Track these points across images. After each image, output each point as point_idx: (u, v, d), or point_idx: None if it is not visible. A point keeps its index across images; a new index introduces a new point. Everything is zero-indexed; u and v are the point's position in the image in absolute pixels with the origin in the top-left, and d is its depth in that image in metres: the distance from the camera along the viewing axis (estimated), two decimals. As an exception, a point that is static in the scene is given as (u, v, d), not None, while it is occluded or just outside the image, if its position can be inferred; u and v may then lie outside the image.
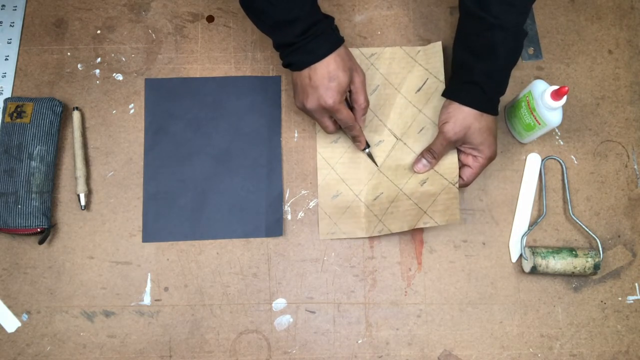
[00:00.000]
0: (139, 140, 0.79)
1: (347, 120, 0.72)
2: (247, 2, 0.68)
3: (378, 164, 0.79)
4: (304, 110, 0.72)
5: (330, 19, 0.70)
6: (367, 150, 0.78)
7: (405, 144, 0.79)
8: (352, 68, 0.70)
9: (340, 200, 0.78)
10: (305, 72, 0.69)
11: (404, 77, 0.81)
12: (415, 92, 0.80)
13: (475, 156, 0.73)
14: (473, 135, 0.71)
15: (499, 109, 0.73)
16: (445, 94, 0.73)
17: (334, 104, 0.69)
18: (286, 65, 0.71)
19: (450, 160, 0.75)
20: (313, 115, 0.72)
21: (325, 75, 0.68)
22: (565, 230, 0.78)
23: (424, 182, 0.76)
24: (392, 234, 0.77)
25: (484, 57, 0.69)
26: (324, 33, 0.68)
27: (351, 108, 0.74)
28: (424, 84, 0.80)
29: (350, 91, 0.72)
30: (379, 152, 0.79)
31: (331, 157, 0.79)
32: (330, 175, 0.79)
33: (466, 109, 0.70)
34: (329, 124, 0.73)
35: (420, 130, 0.78)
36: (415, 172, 0.76)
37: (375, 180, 0.78)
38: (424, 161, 0.75)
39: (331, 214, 0.77)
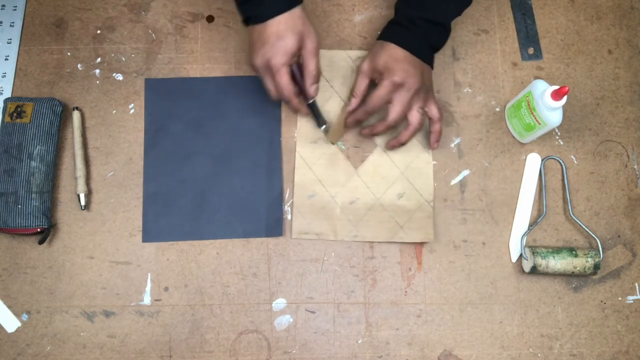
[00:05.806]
0: (139, 140, 0.79)
1: (283, 87, 0.71)
2: None
3: (356, 168, 0.78)
4: (253, 68, 0.73)
5: None
6: (313, 101, 0.76)
7: (385, 152, 0.79)
8: (303, 32, 0.70)
9: (316, 201, 0.77)
10: (258, 27, 0.69)
11: None
12: None
13: (392, 85, 0.71)
14: (379, 60, 0.71)
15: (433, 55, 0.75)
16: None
17: (276, 63, 0.69)
18: (244, 20, 0.72)
19: (426, 177, 0.78)
20: (260, 74, 0.73)
21: (274, 33, 0.68)
22: (565, 230, 0.78)
23: (401, 197, 0.77)
24: (392, 234, 0.77)
25: (410, 6, 0.73)
26: None
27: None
28: None
29: (301, 56, 0.72)
30: (359, 154, 0.79)
31: (310, 157, 0.79)
32: (307, 175, 0.78)
33: (378, 42, 0.74)
34: (272, 87, 0.73)
35: None
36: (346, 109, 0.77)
37: (352, 183, 0.78)
38: (350, 101, 0.76)
39: (305, 214, 0.77)
